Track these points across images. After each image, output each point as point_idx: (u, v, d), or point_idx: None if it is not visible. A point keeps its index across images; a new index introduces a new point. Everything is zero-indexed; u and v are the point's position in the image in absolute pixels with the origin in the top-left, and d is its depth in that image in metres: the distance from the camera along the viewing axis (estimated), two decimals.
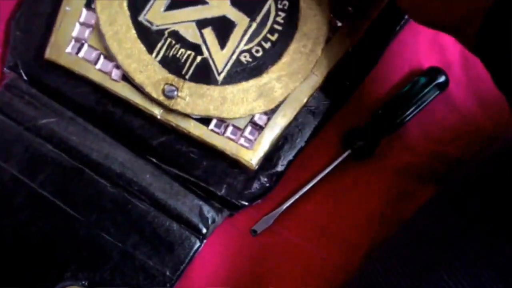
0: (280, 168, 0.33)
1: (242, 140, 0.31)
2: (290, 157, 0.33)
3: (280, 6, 0.32)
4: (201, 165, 0.32)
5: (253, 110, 0.31)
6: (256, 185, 0.33)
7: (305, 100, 0.32)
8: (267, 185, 0.33)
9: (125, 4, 0.30)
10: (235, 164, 0.32)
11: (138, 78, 0.30)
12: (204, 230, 0.31)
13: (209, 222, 0.31)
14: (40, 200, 0.29)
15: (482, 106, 0.38)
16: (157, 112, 0.31)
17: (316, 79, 0.32)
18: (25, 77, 0.30)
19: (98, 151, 0.30)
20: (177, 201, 0.31)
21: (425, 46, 0.37)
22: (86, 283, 0.28)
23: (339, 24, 0.33)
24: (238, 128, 0.31)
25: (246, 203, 0.33)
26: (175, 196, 0.31)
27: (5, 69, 0.30)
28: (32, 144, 0.30)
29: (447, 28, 0.27)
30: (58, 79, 0.30)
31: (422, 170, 0.36)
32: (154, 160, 0.31)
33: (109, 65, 0.30)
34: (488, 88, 0.38)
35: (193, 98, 0.30)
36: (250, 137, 0.32)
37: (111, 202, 0.30)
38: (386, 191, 0.35)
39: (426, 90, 0.35)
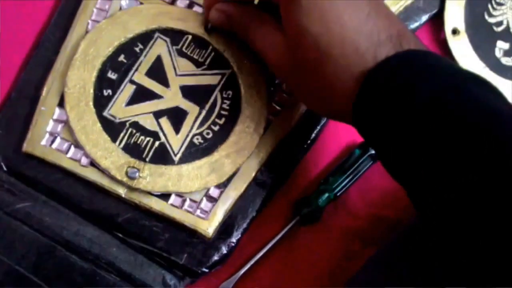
0: (235, 236, 0.37)
1: (198, 212, 0.36)
2: (244, 225, 0.37)
3: (225, 95, 0.38)
4: (163, 237, 0.36)
5: (207, 184, 0.36)
6: (214, 253, 0.36)
7: (253, 174, 0.37)
8: (225, 252, 0.36)
9: (91, 103, 0.36)
10: (194, 234, 0.36)
11: (104, 163, 0.35)
12: None
13: None
14: (16, 276, 0.32)
15: None
16: (121, 191, 0.35)
17: (261, 156, 0.38)
18: (4, 168, 0.35)
19: (68, 229, 0.34)
20: (142, 272, 0.35)
21: None
22: None
23: (279, 108, 0.39)
24: (195, 201, 0.36)
25: (206, 270, 0.36)
26: (139, 267, 0.35)
27: None
28: (10, 226, 0.34)
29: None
30: (34, 168, 0.35)
31: (364, 232, 0.40)
32: (120, 235, 0.35)
33: (78, 154, 0.35)
34: None
35: (153, 177, 0.35)
36: (206, 209, 0.36)
37: (81, 276, 0.33)
38: (333, 253, 0.39)
39: (361, 161, 0.40)
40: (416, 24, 0.46)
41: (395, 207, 0.42)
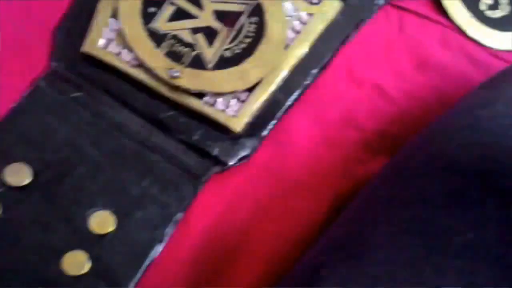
0: (259, 135, 0.43)
1: (228, 110, 0.42)
2: (270, 126, 0.43)
3: (251, 21, 0.45)
4: (199, 132, 0.42)
5: (236, 87, 0.42)
6: (241, 148, 0.42)
7: (275, 84, 0.44)
8: (251, 148, 0.43)
9: (139, 16, 0.42)
10: (225, 131, 0.42)
11: (150, 64, 0.41)
12: (203, 176, 0.40)
13: (206, 171, 0.40)
14: (79, 149, 0.38)
15: (411, 99, 0.50)
16: (164, 90, 0.42)
17: (282, 69, 0.44)
18: (65, 67, 0.41)
19: (120, 116, 0.40)
20: (183, 155, 0.40)
21: None
22: (113, 210, 0.37)
23: (296, 34, 0.46)
24: (226, 101, 0.42)
25: (234, 162, 0.42)
26: (181, 153, 0.41)
27: (52, 62, 0.41)
28: (73, 109, 0.40)
29: None
30: (89, 68, 0.41)
31: (371, 143, 0.46)
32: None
33: (129, 56, 0.41)
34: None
35: (191, 78, 0.42)
36: (235, 108, 0.42)
37: (130, 152, 0.39)
38: None
39: None
40: None
41: (397, 125, 0.48)
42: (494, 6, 0.55)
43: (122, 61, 0.42)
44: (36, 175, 0.38)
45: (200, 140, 0.42)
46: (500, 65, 0.54)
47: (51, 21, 0.44)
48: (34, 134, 0.39)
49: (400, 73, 0.52)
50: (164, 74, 0.42)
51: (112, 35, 0.43)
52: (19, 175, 0.38)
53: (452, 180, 0.31)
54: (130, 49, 0.42)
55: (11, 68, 0.42)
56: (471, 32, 0.53)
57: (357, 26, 0.50)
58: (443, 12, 0.54)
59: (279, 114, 0.45)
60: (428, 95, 0.52)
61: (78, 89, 0.41)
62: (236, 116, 0.43)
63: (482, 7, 0.55)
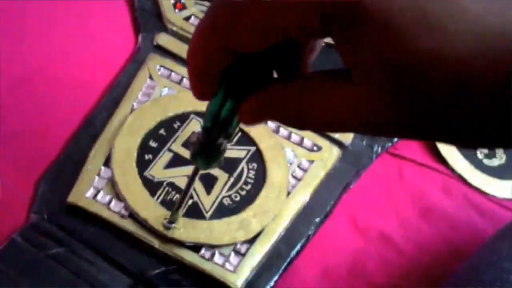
0: None
1: (227, 265, 0.38)
2: (271, 283, 0.38)
3: (250, 167, 0.43)
4: None
5: (235, 239, 0.38)
6: None
7: (277, 235, 0.40)
8: None
9: (134, 164, 0.40)
10: None
11: (143, 214, 0.37)
12: None
13: None
14: None
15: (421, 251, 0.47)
16: (156, 242, 0.37)
17: (284, 218, 0.41)
18: (46, 219, 0.37)
19: (104, 277, 0.35)
20: None
21: None
22: None
23: (298, 180, 0.44)
24: (224, 255, 0.38)
25: None
26: None
27: (31, 214, 0.37)
28: (50, 268, 0.35)
29: None
30: (74, 221, 0.37)
31: None
32: None
33: (118, 206, 0.38)
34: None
35: (186, 229, 0.38)
36: (234, 262, 0.38)
37: None
38: None
39: None
40: None
41: (409, 279, 0.44)
42: (490, 155, 0.55)
43: (111, 211, 0.39)
44: None
45: None
46: (504, 214, 0.52)
47: (34, 169, 0.41)
48: None
49: (405, 221, 0.49)
50: (157, 225, 0.38)
51: (102, 184, 0.40)
52: None
53: None
54: (122, 199, 0.39)
55: None
56: (472, 180, 0.53)
57: (357, 172, 0.48)
58: (442, 160, 0.54)
59: (282, 268, 0.41)
60: (437, 246, 0.49)
61: (58, 244, 0.37)
62: (235, 272, 0.38)
63: (480, 156, 0.55)
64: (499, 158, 0.55)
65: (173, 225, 0.38)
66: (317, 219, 0.44)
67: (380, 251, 0.47)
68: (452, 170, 0.53)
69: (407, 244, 0.47)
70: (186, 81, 0.48)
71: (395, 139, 0.52)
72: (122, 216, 0.38)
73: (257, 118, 0.23)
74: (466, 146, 0.22)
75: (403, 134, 0.20)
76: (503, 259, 0.35)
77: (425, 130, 0.19)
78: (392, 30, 0.17)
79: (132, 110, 0.44)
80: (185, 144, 0.43)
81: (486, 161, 0.55)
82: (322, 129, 0.24)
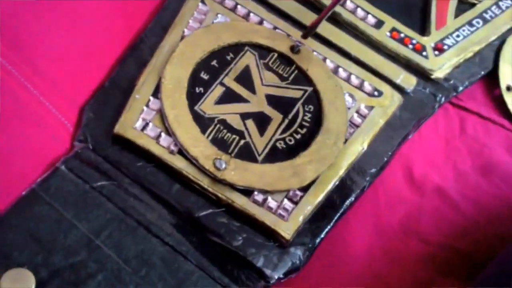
0: (312, 244, 0.36)
1: (279, 212, 0.35)
2: (321, 235, 0.36)
3: (306, 109, 0.39)
4: (241, 236, 0.35)
5: (289, 186, 0.36)
6: (290, 259, 0.35)
7: (332, 184, 0.37)
8: (301, 259, 0.35)
9: (184, 96, 0.37)
10: (271, 237, 0.35)
11: (193, 151, 0.35)
12: None
13: None
14: (96, 250, 0.31)
15: (479, 210, 0.44)
16: (205, 182, 0.35)
17: (341, 167, 0.38)
18: (92, 148, 0.35)
19: (152, 213, 0.33)
20: (220, 266, 0.33)
21: None
22: None
23: (356, 127, 0.40)
24: (276, 201, 0.35)
25: (281, 276, 0.34)
26: (217, 262, 0.33)
27: (75, 142, 0.35)
28: (95, 201, 0.33)
29: None
30: (120, 153, 0.35)
31: (437, 260, 0.39)
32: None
33: (168, 141, 0.35)
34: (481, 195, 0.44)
35: (238, 171, 0.35)
36: (286, 210, 0.35)
37: (160, 259, 0.32)
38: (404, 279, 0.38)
39: None
40: (472, 79, 0.48)
41: (465, 239, 0.41)
42: None
43: (160, 146, 0.36)
44: (40, 284, 0.30)
45: (243, 247, 0.35)
46: None
47: (79, 95, 0.38)
48: (44, 231, 0.32)
49: (464, 177, 0.46)
50: (208, 165, 0.35)
51: (151, 116, 0.37)
52: (19, 284, 0.30)
53: None
54: (171, 133, 0.36)
55: (29, 144, 0.36)
56: None
57: (418, 122, 0.45)
58: (508, 115, 0.49)
59: (334, 219, 0.38)
60: (497, 206, 0.45)
61: (104, 176, 0.35)
62: (287, 220, 0.36)
63: None
64: None
65: (225, 165, 0.35)
66: (373, 170, 0.41)
67: (436, 207, 0.44)
68: None
69: (464, 202, 0.44)
70: (240, 8, 0.44)
71: (460, 88, 0.48)
72: (171, 152, 0.36)
73: None
74: None
75: None
76: None
77: None
78: None
79: (183, 37, 0.41)
80: (238, 78, 0.40)
81: None
82: None
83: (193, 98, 0.38)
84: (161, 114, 0.37)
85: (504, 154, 0.48)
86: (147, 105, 0.37)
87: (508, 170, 0.47)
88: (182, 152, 0.36)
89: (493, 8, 0.51)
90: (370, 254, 0.40)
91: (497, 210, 0.45)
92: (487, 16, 0.51)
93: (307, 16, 0.45)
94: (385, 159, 0.42)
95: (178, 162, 0.36)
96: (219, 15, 0.43)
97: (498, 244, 0.41)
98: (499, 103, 0.50)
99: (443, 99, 0.46)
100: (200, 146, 0.36)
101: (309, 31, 0.40)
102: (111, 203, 0.33)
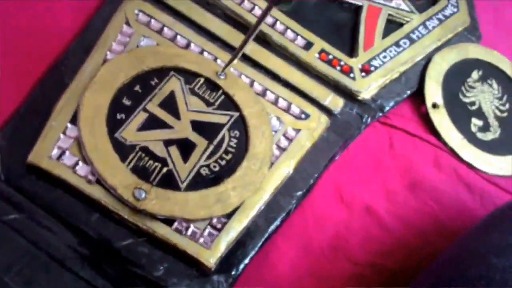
0: (236, 272, 0.36)
1: (201, 241, 0.35)
2: (246, 261, 0.36)
3: (232, 134, 0.40)
4: (162, 266, 0.34)
5: (212, 213, 0.36)
6: (213, 287, 0.35)
7: (256, 210, 0.38)
8: (224, 287, 0.35)
9: (104, 123, 0.36)
10: (193, 265, 0.35)
11: (111, 181, 0.34)
12: None
13: None
14: None
15: (406, 226, 0.45)
16: (125, 213, 0.34)
17: (266, 192, 0.38)
18: (3, 178, 0.34)
19: (66, 246, 0.32)
20: None
21: None
22: None
23: (282, 151, 0.41)
24: (198, 229, 0.35)
25: None
26: None
27: None
28: (6, 235, 0.31)
29: None
30: (35, 183, 0.34)
31: (364, 279, 0.40)
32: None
33: (85, 170, 0.35)
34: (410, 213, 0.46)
35: (159, 201, 0.35)
36: (209, 238, 0.36)
37: None
38: None
39: None
40: (398, 98, 0.50)
41: (393, 257, 0.42)
42: (485, 128, 0.53)
43: (77, 175, 0.35)
44: None
45: (164, 277, 0.35)
46: (493, 191, 0.51)
47: None
48: None
49: (392, 194, 0.47)
50: (127, 195, 0.35)
51: (68, 143, 0.36)
52: None
53: None
54: (89, 162, 0.35)
55: None
56: (464, 155, 0.51)
57: (345, 143, 0.46)
58: (434, 132, 0.51)
59: (259, 244, 0.38)
60: (423, 222, 0.47)
61: (15, 209, 0.33)
62: (210, 248, 0.36)
63: (473, 129, 0.53)
64: (494, 132, 0.53)
65: (145, 195, 0.35)
66: (299, 193, 0.41)
67: (364, 225, 0.45)
68: (444, 143, 0.51)
69: (392, 219, 0.46)
70: (167, 31, 0.43)
71: (387, 108, 0.49)
72: (89, 182, 0.35)
73: None
74: None
75: None
76: (492, 253, 0.34)
77: None
78: None
79: (105, 60, 0.40)
80: (163, 104, 0.40)
81: (479, 135, 0.53)
82: None
83: (113, 125, 0.37)
84: (79, 142, 0.36)
85: (431, 170, 0.50)
86: (64, 133, 0.36)
87: (435, 186, 0.49)
88: (100, 181, 0.35)
89: (420, 28, 0.53)
90: (297, 276, 0.40)
91: (424, 226, 0.47)
92: (414, 36, 0.53)
93: (236, 37, 0.45)
94: (312, 181, 0.43)
95: (96, 192, 0.35)
96: (144, 38, 0.42)
97: (424, 260, 0.43)
98: (426, 120, 0.52)
99: (369, 119, 0.48)
100: (119, 175, 0.35)
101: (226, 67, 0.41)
102: (22, 238, 0.32)
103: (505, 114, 0.54)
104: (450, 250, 0.38)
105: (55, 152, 0.36)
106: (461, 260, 0.35)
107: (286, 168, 0.41)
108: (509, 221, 0.37)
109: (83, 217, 0.35)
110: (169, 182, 0.37)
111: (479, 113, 0.53)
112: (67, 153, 0.36)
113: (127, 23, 0.42)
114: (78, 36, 0.42)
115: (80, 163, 0.36)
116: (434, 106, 0.52)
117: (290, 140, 0.42)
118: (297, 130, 0.43)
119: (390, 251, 0.44)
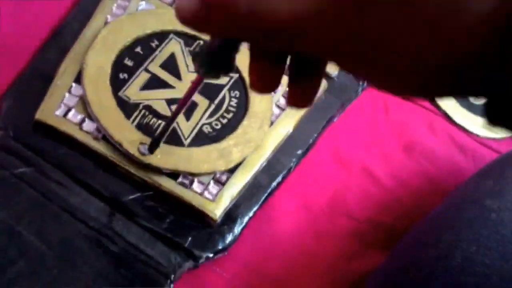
0: (240, 224, 0.37)
1: (206, 194, 0.36)
2: (250, 214, 0.38)
3: (232, 95, 0.41)
4: (169, 218, 0.35)
5: (215, 168, 0.37)
6: (219, 239, 0.36)
7: (258, 166, 0.39)
8: (229, 239, 0.36)
9: (107, 82, 0.37)
10: (199, 218, 0.36)
11: (117, 137, 0.35)
12: (172, 276, 0.33)
13: (176, 268, 0.33)
14: (18, 238, 0.30)
15: (402, 185, 0.46)
16: (131, 167, 0.35)
17: (266, 149, 0.39)
18: (12, 136, 0.34)
19: (75, 198, 0.33)
20: (147, 247, 0.34)
21: None
22: None
23: (281, 111, 0.42)
24: (203, 183, 0.36)
25: (210, 255, 0.35)
26: (145, 243, 0.34)
27: None
28: (17, 187, 0.32)
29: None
30: (42, 140, 0.35)
31: (364, 235, 0.42)
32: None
33: (92, 127, 0.35)
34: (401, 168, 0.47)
35: (164, 156, 0.36)
36: (213, 191, 0.37)
37: (85, 243, 0.32)
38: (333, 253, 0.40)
39: None
40: None
41: (389, 214, 0.44)
42: None
43: (83, 132, 0.36)
44: None
45: (171, 228, 0.36)
46: (485, 153, 0.52)
47: None
48: None
49: (388, 155, 0.49)
50: (133, 150, 0.36)
51: (73, 102, 0.37)
52: None
53: None
54: (94, 119, 0.36)
55: None
56: (457, 119, 0.52)
57: (342, 105, 0.47)
58: None
59: (262, 199, 0.40)
60: (418, 182, 0.49)
61: (25, 163, 0.34)
62: (214, 201, 0.37)
63: None
64: None
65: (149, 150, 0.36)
66: (299, 151, 0.43)
67: (361, 184, 0.46)
68: (438, 107, 0.52)
69: (388, 178, 0.47)
70: None
71: None
72: (95, 138, 0.36)
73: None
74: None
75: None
76: (486, 196, 0.35)
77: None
78: None
79: (106, 23, 0.41)
80: (164, 65, 0.40)
81: (472, 99, 0.54)
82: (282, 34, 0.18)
83: (117, 84, 0.38)
84: (84, 100, 0.37)
85: (425, 132, 0.52)
86: (69, 91, 0.37)
87: (429, 148, 0.50)
88: (106, 137, 0.36)
89: None
90: (298, 231, 0.42)
91: (419, 185, 0.48)
92: None
93: None
94: (311, 140, 0.44)
95: (103, 148, 0.36)
96: (143, 2, 0.43)
97: (418, 217, 0.44)
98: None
99: (365, 83, 0.49)
100: (125, 132, 0.36)
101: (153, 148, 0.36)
102: (32, 189, 0.33)
103: None
104: (447, 199, 0.40)
105: (62, 109, 0.36)
106: (457, 205, 0.37)
107: (286, 127, 0.42)
108: (500, 169, 0.38)
109: (91, 172, 0.36)
110: (173, 138, 0.38)
111: None
112: (73, 110, 0.37)
113: None
114: (78, 1, 0.43)
115: (86, 120, 0.36)
116: None
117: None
118: None
119: (387, 208, 0.45)
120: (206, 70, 0.25)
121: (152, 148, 0.35)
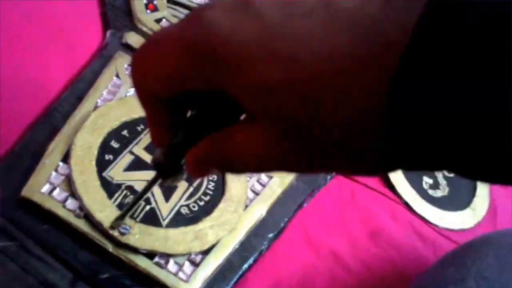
0: None
1: (180, 274, 0.38)
2: None
3: (210, 178, 0.43)
4: None
5: (190, 250, 0.39)
6: None
7: (232, 247, 0.41)
8: None
9: (93, 162, 0.39)
10: None
11: (98, 216, 0.37)
12: None
13: None
14: None
15: (368, 270, 0.49)
16: (109, 246, 0.37)
17: (240, 232, 0.42)
18: None
19: (54, 274, 0.34)
20: None
21: None
22: None
23: (256, 194, 0.44)
24: (178, 263, 0.38)
25: None
26: None
27: None
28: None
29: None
30: (26, 216, 0.36)
31: None
32: None
33: (74, 205, 0.37)
34: None
35: (142, 236, 0.37)
36: (187, 272, 0.38)
37: None
38: None
39: None
40: None
41: None
42: (434, 186, 0.59)
43: (66, 210, 0.38)
44: None
45: None
46: (444, 243, 0.55)
47: None
48: None
49: (355, 241, 0.51)
50: (112, 230, 0.37)
51: (59, 180, 0.39)
52: None
53: None
54: (78, 197, 0.38)
55: None
56: (417, 209, 0.56)
57: (312, 192, 0.50)
58: (391, 187, 0.56)
59: (233, 280, 0.41)
60: (383, 267, 0.51)
61: (8, 237, 0.35)
62: (188, 281, 0.38)
63: (425, 186, 0.58)
64: (443, 190, 0.59)
65: (129, 230, 0.38)
66: (271, 235, 0.45)
67: (330, 268, 0.48)
68: (400, 197, 0.56)
69: (355, 263, 0.49)
70: None
71: None
72: (77, 216, 0.38)
73: (198, 168, 0.24)
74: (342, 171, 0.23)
75: (301, 169, 0.21)
76: (450, 283, 0.38)
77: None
78: (241, 67, 0.18)
79: (96, 107, 0.44)
80: (148, 148, 0.43)
81: (430, 192, 0.58)
82: (252, 170, 0.21)
83: (102, 164, 0.40)
84: (69, 179, 0.39)
85: (388, 221, 0.55)
86: (55, 170, 0.39)
87: (392, 235, 0.53)
88: (88, 216, 0.38)
89: None
90: None
91: (383, 271, 0.51)
92: None
93: None
94: (282, 224, 0.46)
95: (83, 226, 0.37)
96: (132, 89, 0.46)
97: None
98: (384, 176, 0.57)
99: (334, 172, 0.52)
100: (106, 211, 0.38)
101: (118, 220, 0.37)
102: (13, 263, 0.34)
103: (452, 174, 0.60)
104: (412, 284, 0.42)
105: (47, 187, 0.38)
106: None
107: (259, 210, 0.45)
108: (460, 259, 0.41)
109: (70, 249, 0.37)
110: (151, 218, 0.39)
111: (430, 172, 0.59)
112: (58, 189, 0.38)
113: (117, 76, 0.47)
114: (71, 86, 0.46)
115: (70, 198, 0.38)
116: None
117: (263, 185, 0.46)
118: (270, 177, 0.47)
119: None
120: (162, 178, 0.28)
121: (115, 225, 0.36)
